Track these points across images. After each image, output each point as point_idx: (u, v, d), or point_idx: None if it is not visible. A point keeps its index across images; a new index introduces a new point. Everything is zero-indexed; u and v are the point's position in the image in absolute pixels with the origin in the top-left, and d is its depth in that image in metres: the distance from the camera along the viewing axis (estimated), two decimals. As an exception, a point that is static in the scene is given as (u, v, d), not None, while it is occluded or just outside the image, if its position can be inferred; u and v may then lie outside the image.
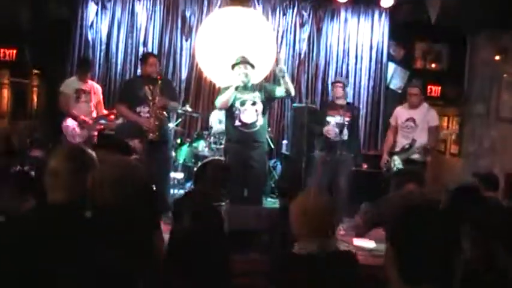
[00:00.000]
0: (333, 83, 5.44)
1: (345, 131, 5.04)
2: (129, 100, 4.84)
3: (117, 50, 6.98)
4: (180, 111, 5.98)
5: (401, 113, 5.24)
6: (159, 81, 4.78)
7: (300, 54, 7.24)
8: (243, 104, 4.64)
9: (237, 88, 4.56)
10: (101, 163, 1.96)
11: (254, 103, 4.67)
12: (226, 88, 4.68)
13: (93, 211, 1.79)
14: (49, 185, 1.85)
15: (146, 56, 5.10)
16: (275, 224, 3.16)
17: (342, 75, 7.03)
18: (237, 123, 4.66)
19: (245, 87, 4.62)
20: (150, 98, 4.77)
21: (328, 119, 5.14)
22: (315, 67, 7.25)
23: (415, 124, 5.09)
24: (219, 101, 4.67)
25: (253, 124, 4.65)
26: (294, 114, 6.79)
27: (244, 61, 4.68)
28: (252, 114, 4.65)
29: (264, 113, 4.65)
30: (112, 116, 5.58)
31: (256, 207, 4.18)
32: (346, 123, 5.06)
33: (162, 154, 4.89)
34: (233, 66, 4.73)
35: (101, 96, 5.78)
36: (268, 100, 4.72)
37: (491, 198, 3.13)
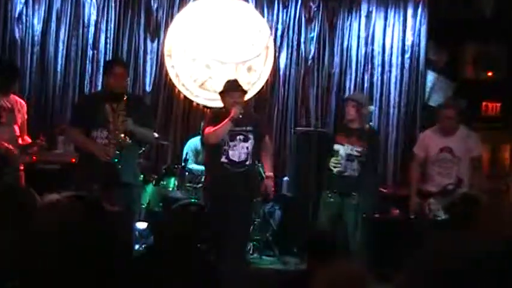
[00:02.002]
0: (344, 101, 5.56)
1: (355, 165, 5.14)
2: (84, 122, 4.89)
3: (56, 53, 7.06)
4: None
5: (432, 140, 5.30)
6: (127, 99, 4.84)
7: (306, 59, 7.35)
8: (232, 138, 4.95)
9: (233, 120, 4.86)
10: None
11: (245, 139, 4.97)
12: (220, 113, 5.00)
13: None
14: None
15: (111, 64, 5.16)
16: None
17: (362, 89, 7.18)
18: (223, 159, 4.94)
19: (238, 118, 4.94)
20: (111, 119, 4.79)
21: (336, 147, 5.24)
22: (327, 77, 7.36)
23: (453, 156, 5.16)
24: (216, 134, 4.93)
25: (242, 164, 4.96)
26: (297, 141, 6.91)
27: (237, 89, 5.01)
28: (242, 151, 4.98)
29: (255, 154, 5.01)
30: (35, 148, 5.50)
31: (244, 269, 4.37)
32: (356, 153, 5.14)
33: (128, 198, 4.85)
34: (222, 93, 5.06)
35: (26, 116, 5.63)
36: (258, 140, 5.07)
37: None
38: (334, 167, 5.19)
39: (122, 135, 4.76)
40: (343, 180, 5.13)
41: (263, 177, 5.86)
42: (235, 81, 5.17)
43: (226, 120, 4.88)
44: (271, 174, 5.18)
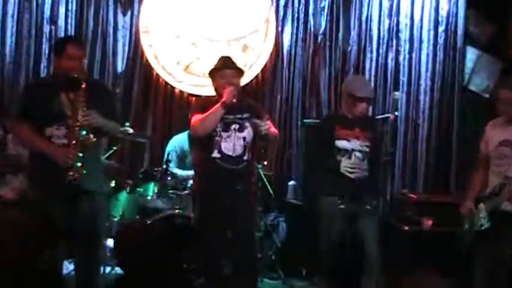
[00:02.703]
0: (355, 97, 5.23)
1: (365, 164, 5.12)
2: (34, 116, 4.69)
3: (4, 30, 6.87)
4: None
5: (493, 132, 5.07)
6: (86, 85, 4.64)
7: (315, 35, 7.22)
8: (226, 127, 4.88)
9: (225, 106, 4.79)
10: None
11: (242, 128, 4.89)
12: (210, 101, 4.96)
13: None
14: None
15: (65, 42, 4.91)
16: None
17: (385, 72, 7.16)
18: (215, 154, 4.83)
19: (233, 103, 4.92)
20: (69, 112, 4.62)
21: (341, 144, 5.11)
22: (341, 57, 7.25)
23: None
24: (204, 123, 4.87)
25: (238, 159, 4.85)
26: (306, 136, 6.81)
27: (231, 66, 4.96)
28: (238, 144, 4.87)
29: (254, 148, 4.98)
30: None
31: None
32: (366, 149, 5.09)
33: (92, 210, 4.70)
34: (212, 73, 4.99)
35: None
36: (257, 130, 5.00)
37: None
38: (351, 172, 5.06)
39: (84, 132, 4.61)
40: (353, 181, 5.05)
41: (263, 181, 6.10)
42: (229, 58, 5.06)
43: (217, 105, 4.76)
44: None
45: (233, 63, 5.02)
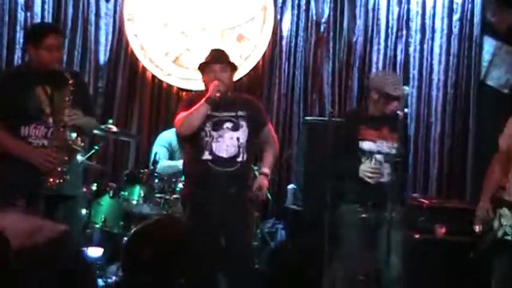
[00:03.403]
0: (388, 96, 5.15)
1: (389, 167, 5.03)
2: (6, 113, 4.61)
3: None
4: (96, 131, 5.74)
5: None
6: (67, 79, 4.55)
7: (318, 24, 7.18)
8: (217, 126, 4.83)
9: (211, 101, 4.77)
10: None
11: (236, 127, 4.85)
12: (198, 97, 4.90)
13: None
14: None
15: (44, 30, 4.78)
16: None
17: (395, 65, 7.10)
18: (206, 156, 4.78)
19: (221, 99, 4.88)
20: (49, 110, 4.55)
21: (365, 145, 5.02)
22: (347, 47, 7.23)
23: None
24: (188, 121, 4.85)
25: (232, 160, 4.80)
26: (307, 135, 6.64)
27: (221, 60, 4.90)
28: (231, 144, 4.83)
29: (250, 149, 4.95)
30: None
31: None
32: (394, 151, 4.99)
33: (71, 219, 4.62)
34: (202, 67, 4.96)
35: None
36: (255, 129, 5.00)
37: None
38: (371, 177, 4.94)
39: (74, 134, 4.59)
40: (376, 187, 4.95)
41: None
42: (221, 51, 5.02)
43: (201, 101, 4.74)
44: (266, 171, 5.02)
45: (224, 56, 4.98)
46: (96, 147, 6.17)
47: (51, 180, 4.44)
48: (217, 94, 4.71)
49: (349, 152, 5.08)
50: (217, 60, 4.88)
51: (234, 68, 5.00)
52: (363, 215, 4.98)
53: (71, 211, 4.70)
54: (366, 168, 4.98)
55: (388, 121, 5.06)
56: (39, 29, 5.11)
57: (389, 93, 5.03)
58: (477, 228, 4.98)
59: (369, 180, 4.97)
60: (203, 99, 4.79)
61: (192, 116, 4.81)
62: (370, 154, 5.07)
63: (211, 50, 5.05)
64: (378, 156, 5.06)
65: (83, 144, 4.79)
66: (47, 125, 4.52)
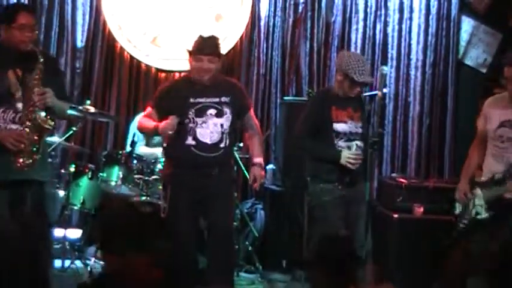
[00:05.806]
0: (352, 80, 5.16)
1: (361, 145, 5.20)
2: None
3: None
4: (73, 112, 5.75)
5: (493, 110, 5.07)
6: (39, 59, 4.54)
7: (296, 4, 7.21)
8: (201, 112, 4.86)
9: (160, 132, 4.88)
10: None
11: (220, 113, 4.89)
12: (173, 88, 5.04)
13: None
14: None
15: (16, 9, 4.78)
16: None
17: (373, 44, 7.16)
18: (190, 141, 4.85)
19: (204, 85, 4.92)
20: (20, 92, 4.56)
21: (338, 127, 5.10)
22: (324, 28, 7.24)
23: None
24: (139, 128, 5.14)
25: (215, 146, 4.88)
26: (286, 115, 6.80)
27: (207, 51, 4.88)
28: (214, 130, 4.89)
29: (232, 134, 5.04)
30: None
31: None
32: (361, 130, 5.13)
33: (40, 200, 4.66)
34: (189, 52, 4.98)
35: None
36: (238, 115, 5.04)
37: None
38: (353, 164, 5.04)
39: (43, 113, 4.50)
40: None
41: (240, 164, 6.14)
42: (210, 40, 4.91)
43: (153, 124, 4.88)
44: (259, 160, 5.08)
45: (212, 46, 4.91)
46: (74, 128, 6.18)
47: (21, 161, 4.45)
48: (170, 132, 4.73)
49: (322, 132, 5.13)
50: (204, 52, 4.85)
51: (220, 56, 5.00)
52: (342, 193, 5.05)
53: (43, 196, 4.70)
54: (348, 155, 5.04)
55: (351, 101, 5.13)
56: (11, 8, 5.12)
57: (354, 78, 5.08)
58: (457, 209, 5.08)
59: (351, 166, 5.04)
60: (154, 125, 4.81)
61: (142, 129, 5.07)
62: (344, 135, 5.12)
63: (202, 38, 5.00)
64: (360, 143, 5.12)
65: (53, 123, 4.73)
66: (16, 109, 4.53)
